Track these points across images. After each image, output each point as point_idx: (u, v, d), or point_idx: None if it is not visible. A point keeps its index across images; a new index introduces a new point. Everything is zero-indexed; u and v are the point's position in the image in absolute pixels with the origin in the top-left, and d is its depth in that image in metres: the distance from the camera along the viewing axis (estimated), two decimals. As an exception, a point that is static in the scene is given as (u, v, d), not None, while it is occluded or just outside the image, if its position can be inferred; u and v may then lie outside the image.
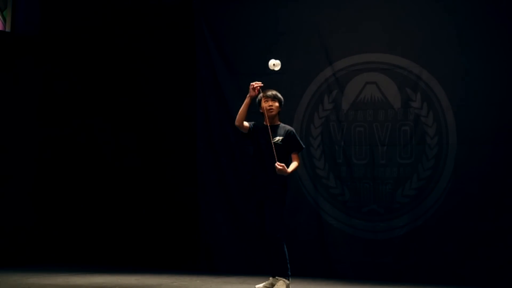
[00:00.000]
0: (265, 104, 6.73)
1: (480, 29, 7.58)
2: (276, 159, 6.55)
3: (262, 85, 6.66)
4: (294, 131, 6.84)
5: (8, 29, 9.25)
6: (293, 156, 6.76)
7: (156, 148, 9.17)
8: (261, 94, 6.76)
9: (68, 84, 9.54)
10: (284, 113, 8.26)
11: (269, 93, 6.78)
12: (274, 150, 6.57)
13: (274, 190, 6.65)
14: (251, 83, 6.64)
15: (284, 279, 6.64)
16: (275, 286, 6.64)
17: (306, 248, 8.15)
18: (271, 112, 6.75)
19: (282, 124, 6.85)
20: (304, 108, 8.26)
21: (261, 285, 6.82)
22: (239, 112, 6.67)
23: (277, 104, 6.79)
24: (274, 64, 6.73)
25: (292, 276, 6.72)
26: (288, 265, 6.66)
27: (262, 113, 6.78)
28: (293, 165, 6.70)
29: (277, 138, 6.70)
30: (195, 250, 8.79)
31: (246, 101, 6.66)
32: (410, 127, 7.80)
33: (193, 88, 8.86)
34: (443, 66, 7.73)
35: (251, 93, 6.65)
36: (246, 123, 6.74)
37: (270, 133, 6.65)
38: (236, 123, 6.70)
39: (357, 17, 8.09)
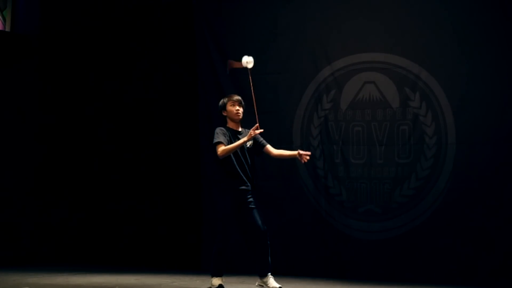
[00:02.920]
0: (232, 108, 6.73)
1: (479, 28, 7.55)
2: (250, 164, 6.68)
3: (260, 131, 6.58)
4: None
5: (8, 29, 9.26)
6: (268, 147, 6.80)
7: (158, 147, 9.18)
8: (226, 99, 6.78)
9: (67, 84, 9.56)
10: (285, 113, 8.31)
11: (236, 97, 6.78)
12: (248, 156, 6.69)
13: (253, 193, 6.74)
14: (254, 129, 6.51)
15: (270, 274, 6.63)
16: (268, 284, 6.62)
17: (306, 248, 8.14)
18: (239, 116, 6.74)
19: (244, 129, 6.84)
20: (304, 108, 8.24)
21: None
22: (229, 149, 6.56)
23: (242, 109, 6.78)
24: (247, 61, 6.66)
25: (292, 276, 6.73)
26: None
27: (225, 117, 6.78)
28: (286, 151, 6.87)
29: (249, 143, 6.71)
30: (195, 250, 8.79)
31: (241, 142, 6.57)
32: (409, 126, 7.78)
33: (194, 87, 8.86)
34: (442, 65, 7.70)
35: (252, 134, 6.52)
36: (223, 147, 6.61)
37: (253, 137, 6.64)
38: (221, 156, 6.57)
39: (355, 17, 8.06)
